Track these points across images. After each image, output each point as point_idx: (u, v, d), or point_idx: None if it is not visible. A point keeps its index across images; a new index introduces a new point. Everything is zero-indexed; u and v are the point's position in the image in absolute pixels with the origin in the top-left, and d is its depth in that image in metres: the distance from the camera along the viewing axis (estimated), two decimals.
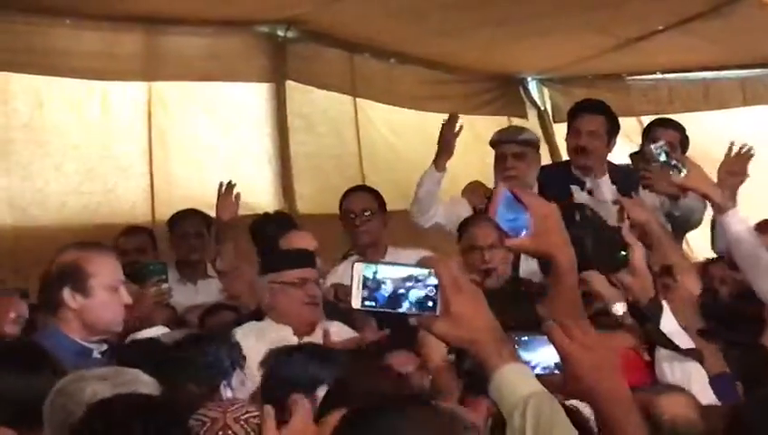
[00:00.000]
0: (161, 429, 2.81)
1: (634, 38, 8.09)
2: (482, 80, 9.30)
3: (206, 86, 8.14)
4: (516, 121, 9.14)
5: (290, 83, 8.34)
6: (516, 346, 2.59)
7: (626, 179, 6.29)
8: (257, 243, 6.51)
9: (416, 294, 2.37)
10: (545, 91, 9.52)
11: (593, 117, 6.37)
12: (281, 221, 6.60)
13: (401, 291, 2.37)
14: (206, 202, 7.28)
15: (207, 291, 6.70)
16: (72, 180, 7.68)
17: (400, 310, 2.39)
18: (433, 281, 2.37)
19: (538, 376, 2.48)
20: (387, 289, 2.37)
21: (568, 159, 6.52)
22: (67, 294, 4.27)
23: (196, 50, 8.13)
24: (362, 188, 6.65)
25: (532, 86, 9.51)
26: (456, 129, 6.56)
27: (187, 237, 6.93)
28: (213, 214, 6.88)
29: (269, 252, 5.37)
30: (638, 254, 3.77)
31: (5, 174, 7.53)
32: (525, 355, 2.60)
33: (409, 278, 2.37)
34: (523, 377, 2.36)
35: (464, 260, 5.65)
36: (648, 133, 6.64)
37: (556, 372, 2.52)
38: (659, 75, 9.03)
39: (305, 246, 5.50)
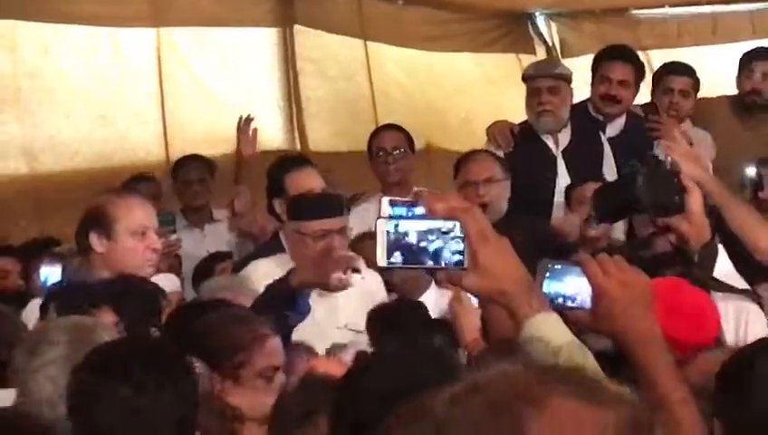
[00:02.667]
0: (161, 369, 2.83)
1: None
2: (489, 17, 9.23)
3: (214, 31, 8.09)
4: (525, 58, 9.11)
5: (298, 27, 8.28)
6: (547, 273, 2.52)
7: (638, 127, 6.33)
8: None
9: (442, 247, 2.30)
10: (553, 26, 9.45)
11: (624, 65, 6.40)
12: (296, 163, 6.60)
13: (427, 245, 2.30)
14: (219, 147, 7.33)
15: (215, 235, 6.75)
16: (84, 127, 7.68)
17: (427, 265, 2.34)
18: (459, 232, 2.30)
19: (567, 310, 2.45)
20: (412, 244, 2.31)
21: (583, 99, 6.53)
22: (93, 238, 4.36)
23: None
24: (393, 127, 6.54)
25: (540, 21, 9.42)
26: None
27: (191, 184, 6.97)
28: (226, 155, 6.91)
29: (294, 199, 5.06)
30: (695, 199, 3.68)
31: (17, 121, 7.53)
32: (555, 285, 2.50)
33: (435, 231, 2.30)
34: (554, 326, 2.33)
35: (461, 195, 5.67)
36: (660, 82, 6.63)
37: (583, 308, 2.45)
38: (668, 9, 8.97)
39: (312, 186, 5.25)
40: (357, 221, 5.41)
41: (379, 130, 6.57)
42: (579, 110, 6.37)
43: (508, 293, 2.32)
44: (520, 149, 6.24)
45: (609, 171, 6.20)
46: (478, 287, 2.35)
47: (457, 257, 2.31)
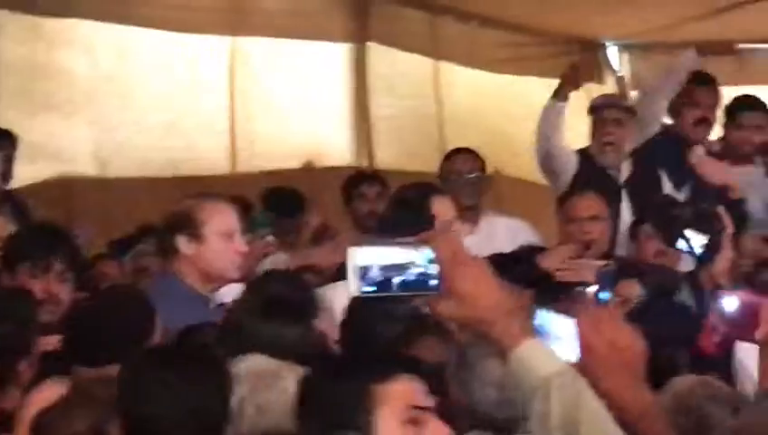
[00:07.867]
0: None
1: (718, 9, 8.00)
2: (562, 43, 9.20)
3: (287, 43, 8.10)
4: (595, 87, 9.07)
5: (371, 44, 8.30)
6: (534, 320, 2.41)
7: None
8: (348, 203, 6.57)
9: (416, 274, 2.24)
10: (625, 57, 9.41)
11: (710, 89, 6.60)
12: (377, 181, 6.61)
13: (401, 272, 2.24)
14: (287, 162, 7.37)
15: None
16: (154, 134, 7.72)
17: (401, 293, 2.27)
18: (433, 258, 2.24)
19: None
20: (385, 272, 2.24)
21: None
22: (182, 240, 4.38)
23: (280, 5, 8.12)
24: (467, 150, 6.52)
25: (612, 51, 9.39)
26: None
27: None
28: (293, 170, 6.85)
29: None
30: None
31: (89, 126, 7.60)
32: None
33: (408, 257, 2.24)
34: (541, 355, 2.19)
35: (563, 231, 5.66)
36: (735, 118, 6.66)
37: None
38: (748, 45, 8.89)
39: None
40: None
41: (453, 153, 6.54)
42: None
43: (487, 320, 2.20)
44: (582, 177, 6.23)
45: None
46: (455, 315, 2.23)
47: (432, 282, 2.23)
